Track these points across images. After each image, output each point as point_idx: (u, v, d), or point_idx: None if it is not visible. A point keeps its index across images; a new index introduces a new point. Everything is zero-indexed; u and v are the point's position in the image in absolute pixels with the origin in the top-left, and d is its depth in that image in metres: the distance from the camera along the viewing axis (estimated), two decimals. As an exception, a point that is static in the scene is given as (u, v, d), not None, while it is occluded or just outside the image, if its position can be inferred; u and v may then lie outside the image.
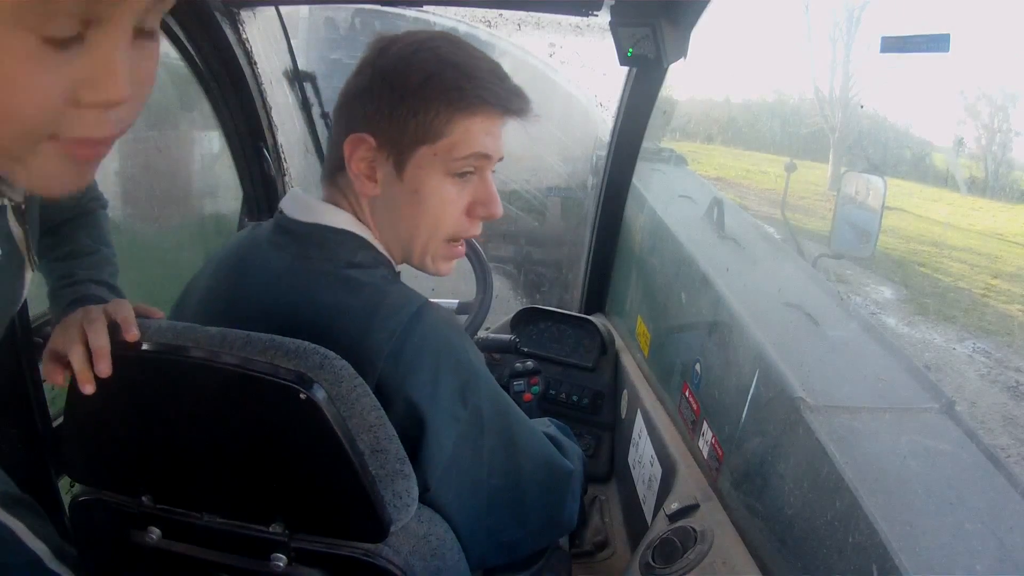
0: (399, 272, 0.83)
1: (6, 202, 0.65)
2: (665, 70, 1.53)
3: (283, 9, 1.69)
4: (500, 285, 2.26)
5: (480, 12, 1.64)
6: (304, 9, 2.10)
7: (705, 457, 1.11)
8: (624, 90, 1.67)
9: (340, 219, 0.79)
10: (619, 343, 1.73)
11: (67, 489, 1.11)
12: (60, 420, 0.75)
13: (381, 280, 0.77)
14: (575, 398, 1.67)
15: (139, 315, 0.72)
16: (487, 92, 0.76)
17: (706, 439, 1.12)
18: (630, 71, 1.62)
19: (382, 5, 1.50)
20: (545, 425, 1.02)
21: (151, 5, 0.38)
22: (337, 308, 0.73)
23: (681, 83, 1.70)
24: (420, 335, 0.72)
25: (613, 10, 1.34)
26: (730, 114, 2.30)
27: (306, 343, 0.66)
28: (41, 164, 0.38)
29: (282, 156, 1.83)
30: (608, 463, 1.64)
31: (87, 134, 0.38)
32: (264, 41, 1.69)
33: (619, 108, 1.71)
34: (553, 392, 1.68)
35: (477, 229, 0.83)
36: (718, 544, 0.92)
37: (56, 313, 0.91)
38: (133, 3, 0.36)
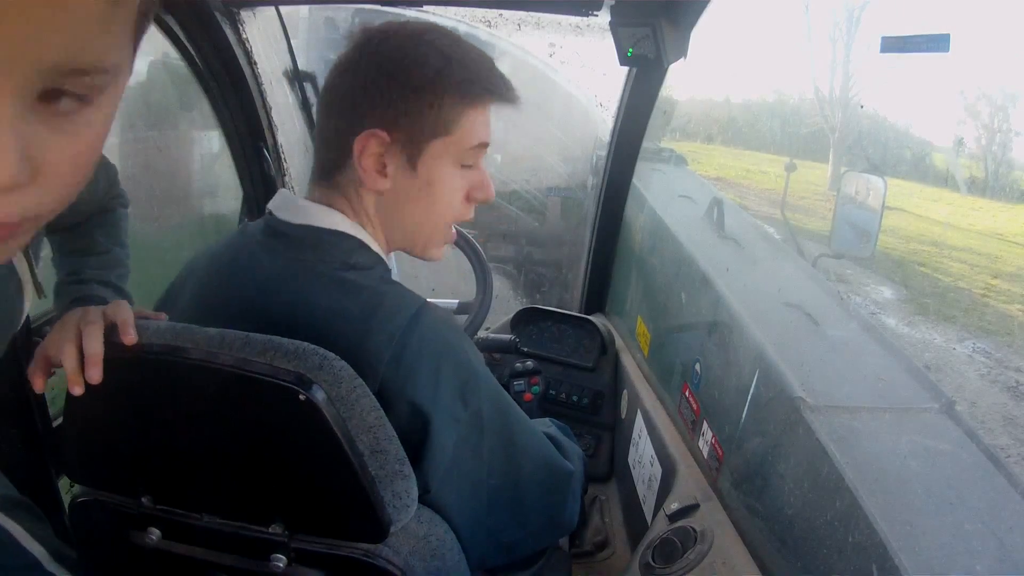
0: (391, 270, 0.84)
1: None
2: (665, 70, 1.53)
3: (283, 9, 1.69)
4: (500, 285, 2.26)
5: (480, 12, 1.64)
6: (304, 9, 2.10)
7: (705, 457, 1.11)
8: (624, 90, 1.67)
9: (333, 220, 0.79)
10: (619, 343, 1.73)
11: (67, 490, 1.11)
12: (60, 421, 0.75)
13: (378, 282, 0.77)
14: (575, 398, 1.67)
15: (141, 318, 0.71)
16: (491, 84, 0.79)
17: (706, 439, 1.12)
18: (630, 71, 1.62)
19: (382, 5, 1.50)
20: (545, 425, 1.02)
21: (64, 61, 0.28)
22: (334, 312, 0.73)
23: (681, 83, 1.70)
24: (419, 337, 0.73)
25: (613, 10, 1.34)
26: (730, 114, 2.29)
27: (305, 344, 0.66)
28: None
29: (282, 156, 1.83)
30: (608, 463, 1.64)
31: None
32: (264, 41, 1.69)
33: (619, 108, 1.71)
34: (553, 392, 1.68)
35: (472, 213, 0.86)
36: (718, 544, 0.92)
37: (58, 308, 0.91)
38: (21, 60, 0.27)
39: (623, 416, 1.58)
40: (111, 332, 0.68)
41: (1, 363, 1.00)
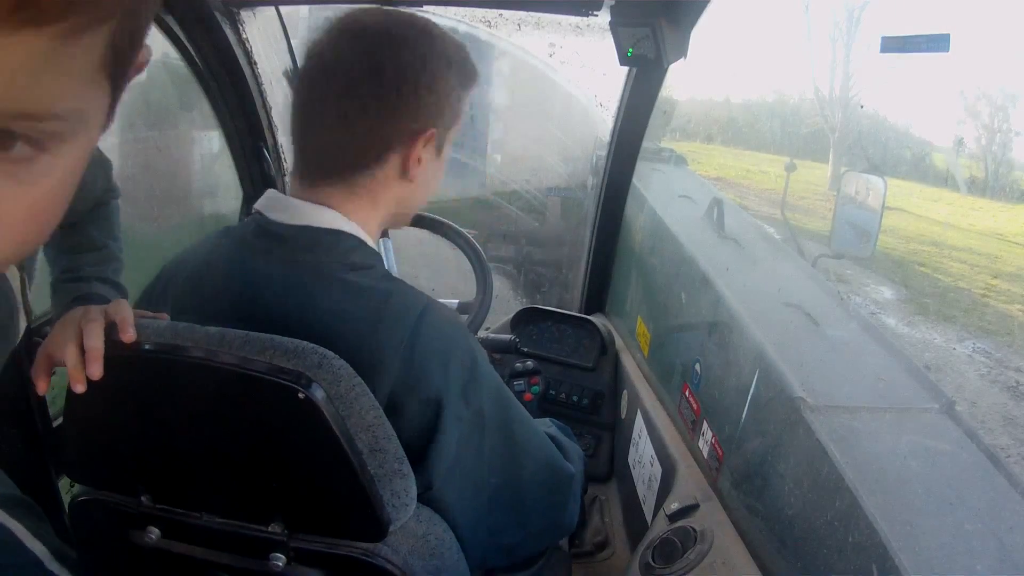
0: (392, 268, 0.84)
1: None
2: (665, 70, 1.53)
3: (283, 9, 1.69)
4: (500, 285, 2.26)
5: (480, 12, 1.64)
6: (304, 9, 2.10)
7: (705, 457, 1.11)
8: (624, 90, 1.67)
9: (330, 219, 0.77)
10: (619, 343, 1.73)
11: (67, 489, 1.11)
12: (60, 420, 0.75)
13: (381, 281, 0.77)
14: (575, 398, 1.67)
15: (142, 318, 0.71)
16: (476, 68, 0.83)
17: (706, 439, 1.12)
18: (630, 71, 1.62)
19: (382, 5, 1.50)
20: (546, 425, 1.02)
21: (6, 106, 0.25)
22: (341, 316, 0.72)
23: (681, 83, 1.70)
24: (427, 337, 0.73)
25: (613, 10, 1.34)
26: (730, 114, 2.30)
27: (305, 343, 0.66)
28: None
29: (282, 156, 1.83)
30: (608, 463, 1.64)
31: None
32: (264, 41, 1.69)
33: (619, 108, 1.71)
34: (553, 392, 1.68)
35: None
36: (718, 544, 0.92)
37: (57, 307, 0.91)
38: None
39: (623, 416, 1.58)
40: (111, 330, 0.68)
41: (1, 364, 1.00)
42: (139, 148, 1.74)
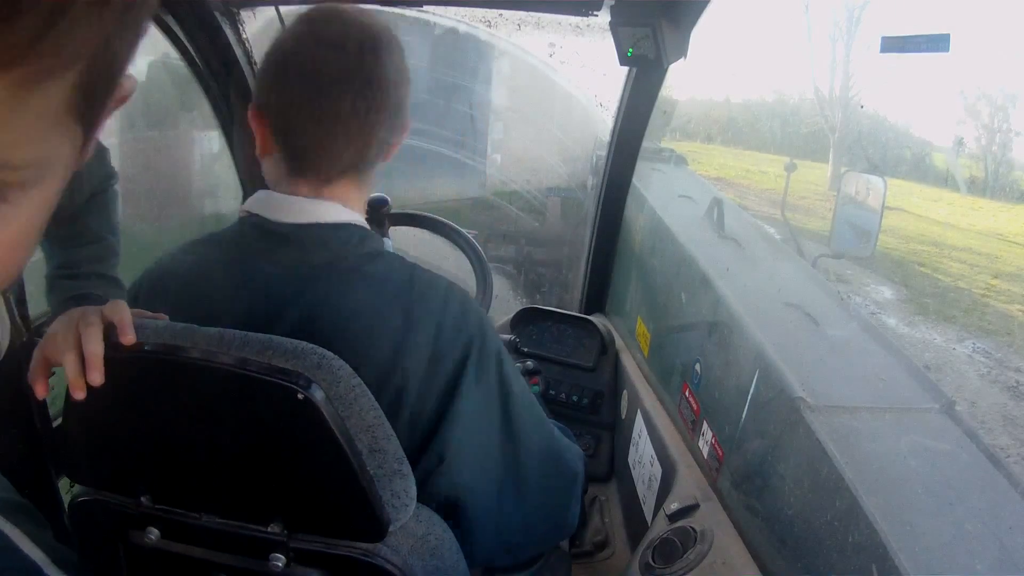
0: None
1: None
2: (665, 70, 1.53)
3: (283, 9, 1.69)
4: (500, 285, 2.26)
5: (480, 12, 1.64)
6: (304, 9, 2.10)
7: (705, 457, 1.11)
8: (624, 90, 1.67)
9: (334, 212, 0.77)
10: (619, 343, 1.73)
11: (67, 489, 1.11)
12: (60, 421, 0.75)
13: (397, 268, 0.78)
14: (575, 398, 1.67)
15: (140, 318, 0.71)
16: None
17: (706, 439, 1.12)
18: (630, 71, 1.62)
19: (382, 5, 1.50)
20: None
21: None
22: (368, 313, 0.73)
23: (681, 83, 1.70)
24: (454, 315, 0.76)
25: (613, 10, 1.34)
26: (730, 114, 2.30)
27: (304, 343, 0.66)
28: None
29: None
30: (608, 463, 1.64)
31: None
32: (264, 41, 1.69)
33: (619, 108, 1.71)
34: (553, 392, 1.68)
35: None
36: (718, 544, 0.92)
37: (53, 305, 0.90)
38: None
39: (623, 416, 1.58)
40: (109, 332, 0.67)
41: (1, 364, 1.00)
42: (139, 148, 1.74)
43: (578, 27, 1.59)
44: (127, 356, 0.67)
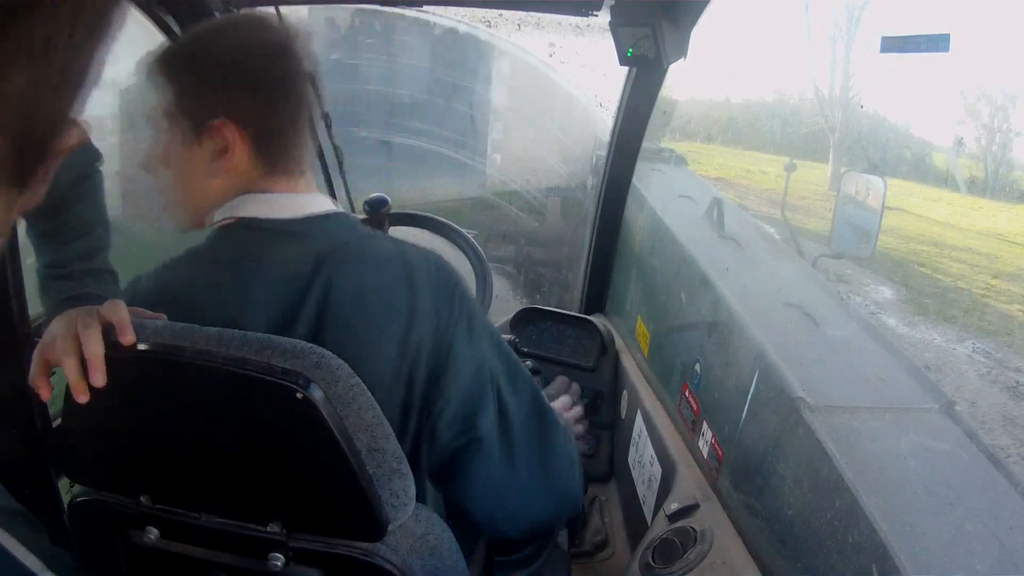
0: None
1: None
2: (665, 70, 1.53)
3: (283, 9, 1.69)
4: (500, 285, 2.26)
5: (480, 12, 1.64)
6: (304, 9, 2.11)
7: (705, 457, 1.11)
8: (624, 90, 1.67)
9: (320, 201, 0.81)
10: (619, 343, 1.73)
11: (67, 489, 1.11)
12: (60, 421, 0.75)
13: (385, 243, 0.81)
14: (575, 398, 1.67)
15: (138, 317, 0.71)
16: None
17: (706, 439, 1.12)
18: (630, 71, 1.62)
19: (382, 5, 1.50)
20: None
21: None
22: (377, 291, 0.75)
23: (681, 83, 1.70)
24: (445, 286, 0.78)
25: (613, 10, 1.34)
26: (730, 114, 2.30)
27: (303, 343, 0.66)
28: None
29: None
30: (608, 463, 1.64)
31: None
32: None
33: (619, 108, 1.71)
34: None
35: None
36: (718, 544, 0.92)
37: (47, 306, 0.88)
38: None
39: (623, 416, 1.58)
40: (108, 331, 0.67)
41: (1, 364, 1.00)
42: (139, 148, 1.74)
43: (578, 27, 1.59)
44: (127, 356, 0.66)
